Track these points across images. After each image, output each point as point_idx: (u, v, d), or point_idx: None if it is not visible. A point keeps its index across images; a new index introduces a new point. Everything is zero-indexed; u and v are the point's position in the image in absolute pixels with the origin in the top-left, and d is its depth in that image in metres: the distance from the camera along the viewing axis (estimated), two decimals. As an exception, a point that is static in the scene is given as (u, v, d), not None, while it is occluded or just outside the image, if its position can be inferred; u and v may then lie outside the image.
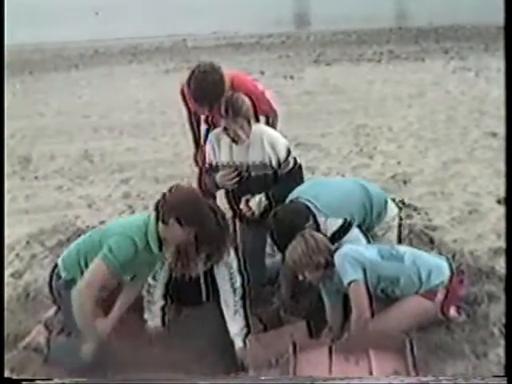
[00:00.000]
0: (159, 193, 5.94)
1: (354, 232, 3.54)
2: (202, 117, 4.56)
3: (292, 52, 15.89)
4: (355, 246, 3.40)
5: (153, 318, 3.64)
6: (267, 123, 4.31)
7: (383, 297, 3.34)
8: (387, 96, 10.27)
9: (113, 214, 5.71)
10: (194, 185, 4.62)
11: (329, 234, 3.49)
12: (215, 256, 3.53)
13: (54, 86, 13.21)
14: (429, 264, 3.39)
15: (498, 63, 11.35)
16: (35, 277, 4.39)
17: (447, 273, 3.37)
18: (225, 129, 3.86)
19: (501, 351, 3.17)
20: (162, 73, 13.50)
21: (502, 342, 3.25)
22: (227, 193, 4.07)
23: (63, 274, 3.43)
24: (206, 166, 4.06)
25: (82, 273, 3.33)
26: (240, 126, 3.78)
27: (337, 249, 3.36)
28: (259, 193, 3.83)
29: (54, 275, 3.50)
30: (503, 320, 3.38)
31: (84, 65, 15.83)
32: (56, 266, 3.52)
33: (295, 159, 3.90)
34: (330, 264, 3.31)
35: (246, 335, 3.53)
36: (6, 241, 4.57)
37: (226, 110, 3.75)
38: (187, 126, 4.68)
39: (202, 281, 3.77)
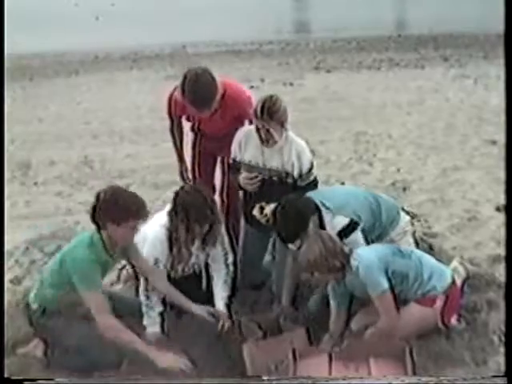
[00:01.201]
0: (159, 199, 6.00)
1: (357, 236, 3.53)
2: (187, 127, 4.44)
3: (292, 59, 15.92)
4: (371, 252, 3.37)
5: (152, 325, 3.62)
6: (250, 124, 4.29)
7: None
8: (387, 103, 10.29)
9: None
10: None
11: (335, 232, 3.49)
12: (210, 238, 3.62)
13: (54, 91, 13.22)
14: (432, 265, 3.42)
15: (497, 71, 11.38)
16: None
17: (448, 280, 3.38)
18: (257, 129, 3.79)
19: (500, 358, 3.18)
20: (163, 79, 13.50)
21: (502, 349, 3.25)
22: (245, 194, 4.04)
23: (34, 306, 3.51)
24: (230, 160, 4.04)
25: (51, 301, 3.44)
26: (272, 128, 3.71)
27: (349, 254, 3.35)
28: (273, 199, 3.70)
29: (28, 311, 3.57)
30: (503, 327, 3.39)
31: (84, 71, 15.85)
32: (27, 303, 3.59)
33: (315, 175, 3.91)
34: (342, 268, 3.30)
35: (228, 305, 3.71)
36: (5, 247, 4.57)
37: (262, 111, 3.68)
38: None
39: (204, 285, 3.82)
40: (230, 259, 3.82)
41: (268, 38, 20.07)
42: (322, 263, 3.26)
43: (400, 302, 3.34)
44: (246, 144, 3.92)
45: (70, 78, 14.94)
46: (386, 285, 3.21)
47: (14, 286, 4.40)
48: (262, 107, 3.68)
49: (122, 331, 3.24)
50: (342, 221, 3.52)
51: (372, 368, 3.10)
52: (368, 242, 3.57)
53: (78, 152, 8.27)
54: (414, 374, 2.99)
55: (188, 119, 4.40)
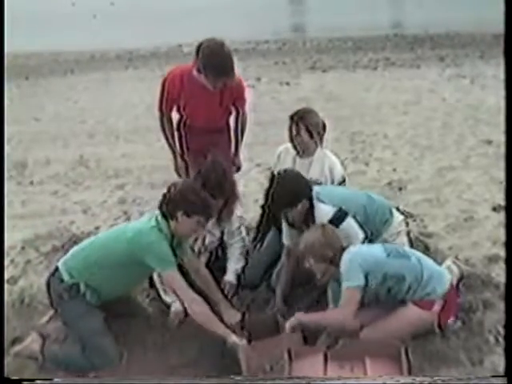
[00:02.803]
0: (155, 199, 5.97)
1: (350, 222, 3.59)
2: (174, 122, 4.42)
3: (288, 58, 15.91)
4: (361, 248, 3.41)
5: (174, 302, 3.69)
6: (236, 119, 4.38)
7: (390, 298, 3.33)
8: (383, 103, 10.28)
9: (108, 219, 5.70)
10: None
11: (326, 220, 3.56)
12: (227, 212, 3.85)
13: (50, 91, 13.20)
14: (432, 268, 3.40)
15: (493, 71, 11.39)
16: (30, 283, 4.37)
17: (447, 284, 3.37)
18: (289, 130, 4.07)
19: (496, 358, 3.18)
20: (158, 78, 13.45)
21: (498, 349, 3.26)
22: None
23: (66, 278, 3.43)
24: (270, 175, 4.24)
25: (89, 278, 3.39)
26: (302, 138, 4.03)
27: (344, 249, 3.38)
28: None
29: (52, 278, 3.49)
30: (498, 327, 3.40)
31: (80, 70, 15.82)
32: (56, 269, 3.50)
33: None
34: (334, 262, 3.33)
35: (238, 277, 3.95)
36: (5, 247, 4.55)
37: (297, 123, 4.02)
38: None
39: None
40: (244, 232, 4.05)
41: (264, 38, 20.06)
42: (318, 249, 3.34)
43: (397, 302, 3.34)
44: (284, 157, 4.20)
45: (65, 77, 14.91)
46: (355, 283, 3.24)
47: (9, 285, 4.38)
48: (297, 113, 4.04)
49: (205, 306, 3.33)
50: (330, 211, 3.60)
51: (368, 368, 3.10)
52: (364, 230, 3.62)
53: (74, 151, 8.25)
54: (410, 374, 2.99)
55: (178, 110, 4.34)
